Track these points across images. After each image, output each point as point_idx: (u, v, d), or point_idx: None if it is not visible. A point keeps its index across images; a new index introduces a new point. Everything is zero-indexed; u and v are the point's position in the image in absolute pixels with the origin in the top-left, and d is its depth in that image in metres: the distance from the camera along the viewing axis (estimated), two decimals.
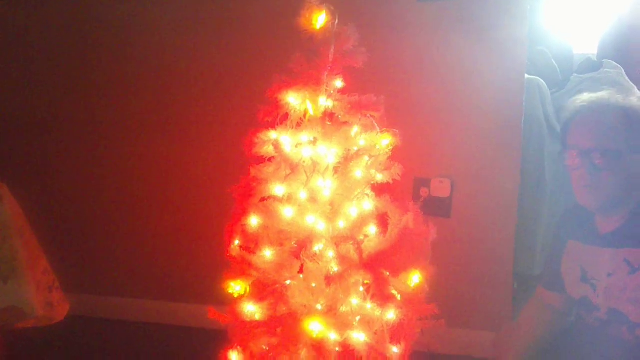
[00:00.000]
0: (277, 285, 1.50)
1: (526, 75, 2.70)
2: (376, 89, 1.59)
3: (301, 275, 1.52)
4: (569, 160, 1.50)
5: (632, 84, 3.03)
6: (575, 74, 3.18)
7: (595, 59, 3.36)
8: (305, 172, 1.51)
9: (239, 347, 1.54)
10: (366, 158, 1.52)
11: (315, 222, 1.49)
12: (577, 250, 1.59)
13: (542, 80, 2.86)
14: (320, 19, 1.50)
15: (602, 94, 1.55)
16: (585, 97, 1.56)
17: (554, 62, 3.28)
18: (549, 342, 1.66)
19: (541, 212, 2.76)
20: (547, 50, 3.34)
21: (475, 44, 2.29)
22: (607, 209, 1.50)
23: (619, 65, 3.12)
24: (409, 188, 2.37)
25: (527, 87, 2.69)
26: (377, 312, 1.49)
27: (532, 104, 2.75)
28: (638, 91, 3.00)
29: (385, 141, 1.55)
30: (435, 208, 2.34)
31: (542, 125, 2.76)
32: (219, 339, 1.60)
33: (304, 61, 1.53)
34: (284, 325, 1.46)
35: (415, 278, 1.48)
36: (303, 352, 1.42)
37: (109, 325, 2.87)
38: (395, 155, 1.58)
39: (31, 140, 2.87)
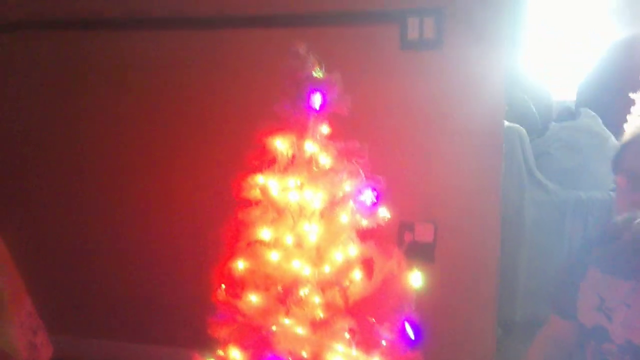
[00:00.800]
0: (263, 331, 1.49)
1: (506, 123, 2.78)
2: (361, 135, 1.62)
3: (287, 321, 1.52)
4: (621, 185, 1.47)
5: (608, 132, 3.12)
6: (554, 122, 3.27)
7: (574, 107, 3.48)
8: (292, 216, 1.53)
9: None
10: (351, 203, 1.54)
11: (301, 266, 1.50)
12: (597, 278, 1.52)
13: (521, 128, 2.94)
14: (306, 67, 1.54)
15: None
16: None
17: (534, 109, 3.38)
18: None
19: (521, 258, 2.80)
20: (526, 97, 3.45)
21: (456, 93, 2.35)
22: None
23: (596, 115, 3.23)
24: (394, 233, 2.38)
25: (507, 134, 2.76)
26: (362, 359, 1.49)
27: (512, 151, 2.82)
28: (614, 139, 3.09)
29: (371, 189, 1.57)
30: (419, 253, 2.36)
31: (521, 171, 2.82)
32: None
33: (290, 106, 1.56)
34: None
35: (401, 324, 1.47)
36: None
37: None
38: (380, 200, 1.60)
39: (14, 173, 2.85)
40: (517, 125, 2.94)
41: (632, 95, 3.39)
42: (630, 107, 3.38)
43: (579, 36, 4.01)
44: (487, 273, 2.41)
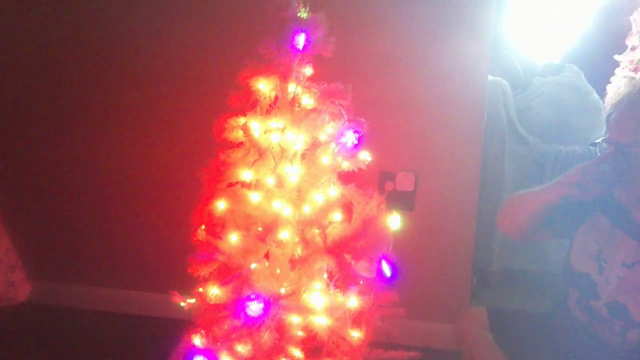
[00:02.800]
0: (242, 270, 1.51)
1: (490, 77, 2.78)
2: (344, 80, 1.61)
3: (266, 263, 1.54)
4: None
5: (591, 87, 3.14)
6: (537, 77, 3.28)
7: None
8: (274, 158, 1.53)
9: (202, 331, 1.54)
10: (333, 145, 1.54)
11: (281, 207, 1.51)
12: (602, 226, 1.52)
13: (504, 82, 2.94)
14: (291, 6, 1.52)
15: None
16: (627, 88, 1.48)
17: (518, 66, 3.38)
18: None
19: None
20: (511, 55, 3.45)
21: (441, 43, 2.34)
22: None
23: (579, 70, 3.23)
24: (375, 182, 2.41)
25: (491, 88, 2.76)
26: (340, 297, 1.52)
27: (495, 105, 2.82)
28: (596, 94, 3.11)
29: (352, 129, 1.57)
30: (399, 201, 2.39)
31: (503, 125, 2.84)
32: (183, 328, 1.60)
33: (274, 47, 1.54)
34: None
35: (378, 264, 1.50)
36: (266, 335, 1.43)
37: (72, 313, 2.82)
38: (363, 148, 1.61)
39: (5, 114, 2.81)
40: (501, 79, 2.94)
41: (616, 57, 3.41)
42: (614, 68, 3.40)
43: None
44: (465, 223, 2.45)
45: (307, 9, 1.56)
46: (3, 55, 2.72)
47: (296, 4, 1.54)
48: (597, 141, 1.53)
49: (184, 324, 1.59)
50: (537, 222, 1.60)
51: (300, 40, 1.54)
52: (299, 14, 1.55)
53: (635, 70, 3.32)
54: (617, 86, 1.56)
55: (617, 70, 3.39)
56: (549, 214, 1.56)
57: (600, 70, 3.39)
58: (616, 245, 1.48)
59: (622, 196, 1.44)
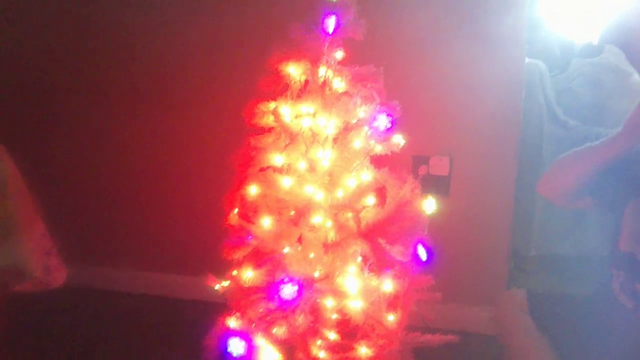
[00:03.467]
0: (275, 254, 1.52)
1: (527, 59, 2.71)
2: (376, 63, 1.59)
3: (299, 247, 1.54)
4: None
5: (632, 69, 3.03)
6: (576, 58, 3.18)
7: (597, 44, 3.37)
8: (305, 142, 1.52)
9: (237, 314, 1.56)
10: (365, 129, 1.53)
11: (313, 192, 1.51)
12: None
13: (542, 64, 2.86)
14: None
15: None
16: None
17: (556, 47, 3.28)
18: None
19: (538, 195, 2.78)
20: (549, 36, 3.35)
21: (476, 24, 2.29)
22: None
23: (620, 51, 3.13)
24: (408, 166, 2.38)
25: (528, 69, 2.69)
26: (374, 281, 1.51)
27: (532, 87, 2.75)
28: (637, 75, 3.01)
29: (384, 112, 1.55)
30: (434, 186, 2.36)
31: (541, 108, 2.76)
32: (218, 311, 1.62)
33: (304, 31, 1.53)
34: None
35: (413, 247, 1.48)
36: (300, 318, 1.44)
37: (107, 296, 2.88)
38: (396, 131, 1.59)
39: (33, 103, 2.85)
40: (538, 61, 2.86)
41: None
42: None
43: None
44: (502, 207, 2.41)
45: None
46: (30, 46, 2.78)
47: None
48: None
49: (219, 306, 1.60)
50: (586, 183, 1.52)
51: (331, 23, 1.53)
52: None
53: None
54: None
55: None
56: (601, 176, 1.48)
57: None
58: None
59: None
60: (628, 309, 1.49)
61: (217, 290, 1.67)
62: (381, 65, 1.59)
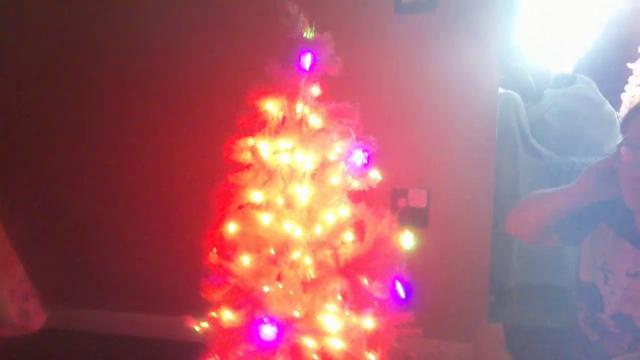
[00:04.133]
0: (255, 292, 1.50)
1: (501, 90, 2.76)
2: (352, 99, 1.61)
3: (279, 285, 1.52)
4: (624, 157, 1.38)
5: (603, 98, 3.11)
6: (550, 89, 3.25)
7: (570, 74, 3.46)
8: (283, 178, 1.52)
9: (216, 355, 1.53)
10: (342, 164, 1.53)
11: (292, 228, 1.50)
12: (606, 236, 1.49)
13: (516, 95, 2.92)
14: (297, 27, 1.52)
15: None
16: None
17: (530, 78, 3.35)
18: None
19: None
20: (523, 67, 3.43)
21: (450, 57, 2.33)
22: None
23: (591, 80, 3.21)
24: (387, 199, 2.39)
25: (502, 101, 2.74)
26: (354, 319, 1.50)
27: (507, 118, 2.80)
28: (609, 105, 3.08)
29: (361, 148, 1.56)
30: (412, 218, 2.36)
31: (516, 138, 2.81)
32: (198, 351, 1.59)
33: (280, 68, 1.54)
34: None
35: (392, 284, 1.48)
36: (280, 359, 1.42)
37: (86, 338, 2.82)
38: (373, 166, 1.60)
39: (11, 141, 2.83)
40: (512, 92, 2.92)
41: (629, 65, 3.38)
42: (627, 77, 3.37)
43: (577, 7, 3.97)
44: (480, 238, 2.41)
45: (313, 29, 1.57)
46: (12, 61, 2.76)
47: (302, 25, 1.55)
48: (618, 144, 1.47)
49: (199, 346, 1.57)
50: (550, 224, 1.56)
51: (307, 60, 1.54)
52: (304, 35, 1.55)
53: None
54: (632, 94, 1.53)
55: (630, 79, 3.36)
56: (563, 217, 1.52)
57: (613, 79, 3.36)
58: (621, 255, 1.45)
59: (635, 203, 1.39)
60: (594, 342, 1.50)
61: (197, 331, 1.64)
62: (357, 101, 1.60)
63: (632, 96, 3.31)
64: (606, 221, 1.51)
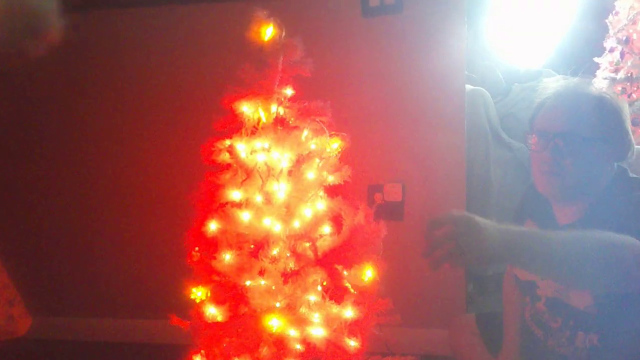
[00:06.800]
0: (238, 288, 1.55)
1: (470, 86, 2.85)
2: (324, 98, 1.67)
3: (262, 280, 1.57)
4: (533, 145, 1.45)
5: None
6: (517, 84, 3.35)
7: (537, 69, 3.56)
8: (261, 176, 1.57)
9: (202, 351, 1.58)
10: (317, 160, 1.60)
11: (271, 224, 1.56)
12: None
13: (485, 91, 3.01)
14: (268, 32, 1.58)
15: (574, 81, 1.50)
16: (558, 83, 1.51)
17: (500, 74, 3.46)
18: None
19: (489, 214, 2.89)
20: (493, 64, 3.53)
21: (417, 57, 2.41)
22: (565, 198, 1.45)
23: (557, 75, 3.30)
24: (364, 195, 2.45)
25: (471, 96, 2.83)
26: (335, 308, 1.55)
27: (476, 113, 2.89)
28: None
29: (334, 144, 1.63)
30: (388, 212, 2.43)
31: (486, 132, 2.90)
32: (183, 353, 1.64)
33: (254, 71, 1.60)
34: (245, 325, 1.51)
35: (368, 272, 1.53)
36: (264, 350, 1.47)
37: (72, 346, 2.83)
38: (349, 163, 1.66)
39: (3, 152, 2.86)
40: (481, 88, 3.01)
41: (596, 59, 3.49)
42: (595, 71, 3.47)
43: (547, 5, 4.07)
44: None
45: (284, 33, 1.63)
46: None
47: (273, 29, 1.61)
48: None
49: (185, 348, 1.62)
50: None
51: (279, 62, 1.60)
52: (276, 39, 1.61)
53: (615, 71, 3.38)
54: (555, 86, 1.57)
55: (598, 72, 3.46)
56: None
57: (582, 74, 3.44)
58: None
59: (545, 188, 1.47)
60: (540, 339, 1.56)
61: (183, 333, 1.68)
62: (329, 100, 1.66)
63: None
64: (529, 217, 1.60)
